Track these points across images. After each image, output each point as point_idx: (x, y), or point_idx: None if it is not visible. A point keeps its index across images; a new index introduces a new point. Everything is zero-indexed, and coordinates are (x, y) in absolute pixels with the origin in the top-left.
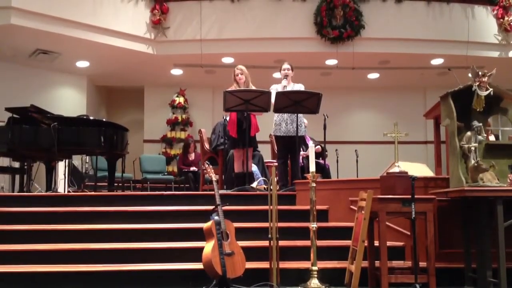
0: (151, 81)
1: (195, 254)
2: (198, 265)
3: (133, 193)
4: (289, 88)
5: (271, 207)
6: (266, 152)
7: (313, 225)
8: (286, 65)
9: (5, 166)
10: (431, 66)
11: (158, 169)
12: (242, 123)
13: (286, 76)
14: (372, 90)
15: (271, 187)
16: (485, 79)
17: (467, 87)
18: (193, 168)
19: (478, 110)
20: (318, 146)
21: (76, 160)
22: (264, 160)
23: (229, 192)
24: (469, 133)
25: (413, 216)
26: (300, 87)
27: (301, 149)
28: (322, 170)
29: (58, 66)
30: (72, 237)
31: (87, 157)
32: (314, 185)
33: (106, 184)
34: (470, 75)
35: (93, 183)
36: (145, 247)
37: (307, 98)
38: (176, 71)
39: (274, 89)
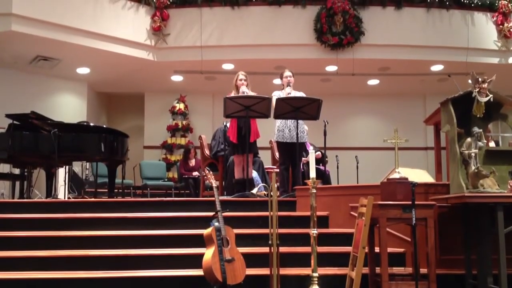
0: (151, 87)
1: (195, 261)
2: (199, 272)
3: (133, 199)
4: (291, 95)
5: (272, 213)
6: (266, 158)
7: (314, 231)
8: (288, 72)
9: (5, 173)
10: (431, 72)
11: (158, 175)
12: (242, 129)
13: (289, 83)
14: (372, 96)
15: (272, 193)
16: (485, 85)
17: (467, 93)
18: (194, 173)
19: (478, 116)
20: (318, 152)
21: (76, 166)
22: (264, 166)
23: (229, 198)
24: (469, 139)
25: (414, 222)
26: (300, 95)
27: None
28: (323, 176)
29: (58, 72)
30: (72, 243)
31: (87, 163)
32: (315, 191)
33: (106, 190)
34: (470, 81)
35: (93, 190)
36: (145, 254)
37: (307, 104)
38: (177, 78)
39: (277, 95)
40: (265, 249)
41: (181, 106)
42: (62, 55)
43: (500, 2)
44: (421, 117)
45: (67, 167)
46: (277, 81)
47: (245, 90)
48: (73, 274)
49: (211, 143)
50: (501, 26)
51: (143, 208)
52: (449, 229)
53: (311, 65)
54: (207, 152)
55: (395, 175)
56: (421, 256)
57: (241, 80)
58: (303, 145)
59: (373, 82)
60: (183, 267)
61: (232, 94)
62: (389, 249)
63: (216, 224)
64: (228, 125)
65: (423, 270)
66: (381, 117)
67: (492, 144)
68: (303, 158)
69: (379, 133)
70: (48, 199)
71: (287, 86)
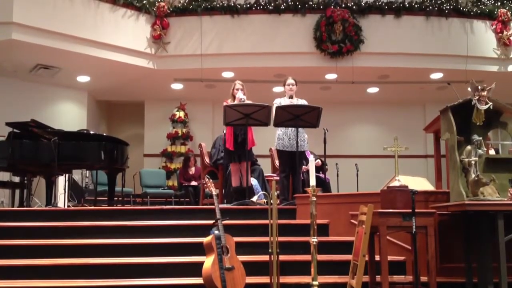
0: (151, 95)
1: (195, 269)
2: (198, 280)
3: (133, 207)
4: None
5: (272, 221)
6: (266, 166)
7: (314, 240)
8: (290, 80)
9: (5, 181)
10: (431, 80)
11: (158, 183)
12: (238, 136)
13: (291, 91)
14: (372, 104)
15: (271, 201)
16: (485, 93)
17: (466, 101)
18: (193, 183)
19: (477, 124)
20: (318, 160)
21: (76, 174)
22: (264, 174)
23: (229, 206)
24: (469, 147)
25: (414, 230)
26: (303, 103)
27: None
28: (323, 184)
29: (58, 81)
30: (72, 252)
31: (87, 171)
32: (315, 199)
33: (106, 198)
34: (469, 89)
35: (93, 198)
36: (145, 262)
37: (307, 112)
38: (177, 86)
39: (277, 103)
40: (265, 257)
41: (181, 114)
42: (62, 64)
43: (499, 10)
44: (421, 125)
45: (67, 175)
46: (276, 89)
47: (241, 97)
48: (73, 283)
49: (211, 151)
50: (500, 34)
51: (143, 216)
52: (450, 237)
53: (310, 73)
54: (207, 160)
55: (395, 183)
56: (421, 264)
57: (237, 89)
58: (303, 154)
59: (373, 90)
60: (183, 275)
61: (229, 102)
62: (390, 257)
63: (216, 232)
64: None
65: (424, 278)
66: (381, 125)
67: (492, 152)
68: (303, 167)
69: (379, 141)
70: (48, 207)
71: (288, 94)
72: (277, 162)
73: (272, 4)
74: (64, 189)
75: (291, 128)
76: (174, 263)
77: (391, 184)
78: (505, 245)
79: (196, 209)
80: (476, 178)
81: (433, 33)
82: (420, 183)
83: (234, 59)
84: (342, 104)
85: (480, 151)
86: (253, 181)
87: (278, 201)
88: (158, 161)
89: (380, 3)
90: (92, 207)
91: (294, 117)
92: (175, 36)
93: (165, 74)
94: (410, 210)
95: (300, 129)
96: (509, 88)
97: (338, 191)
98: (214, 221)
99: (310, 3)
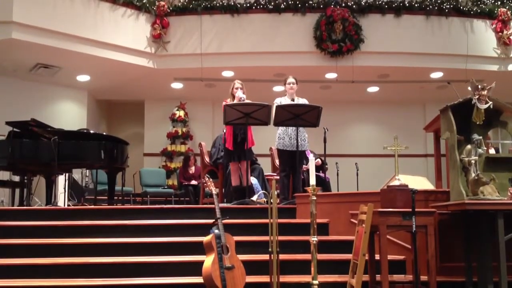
0: (151, 95)
1: (195, 268)
2: (198, 279)
3: (133, 206)
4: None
5: (271, 220)
6: (266, 165)
7: (314, 239)
8: (292, 79)
9: (5, 180)
10: (431, 79)
11: (158, 182)
12: (238, 136)
13: (291, 89)
14: (372, 104)
15: (271, 200)
16: (485, 92)
17: (466, 100)
18: (193, 182)
19: (478, 123)
20: (318, 159)
21: (76, 173)
22: (264, 173)
23: (229, 205)
24: (469, 146)
25: (414, 229)
26: (304, 102)
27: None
28: (323, 183)
29: (58, 80)
30: (71, 251)
31: (87, 170)
32: (315, 198)
33: (106, 197)
34: (469, 88)
35: (93, 197)
36: (144, 261)
37: (307, 111)
38: (177, 85)
39: (278, 102)
40: (265, 257)
41: (181, 113)
42: (62, 63)
43: (499, 9)
44: (421, 124)
45: (67, 174)
46: (276, 88)
47: (241, 96)
48: (73, 282)
49: (211, 150)
50: (500, 34)
51: (143, 216)
52: (450, 236)
53: (310, 73)
54: (207, 159)
55: (395, 182)
56: (421, 264)
57: (237, 88)
58: (304, 153)
59: (373, 89)
60: (183, 274)
61: (228, 101)
62: (389, 257)
63: (216, 231)
64: None
65: (424, 278)
66: (381, 124)
67: (492, 151)
68: (303, 166)
69: (379, 140)
70: (48, 207)
71: (289, 93)
72: (277, 161)
73: (272, 3)
74: (64, 188)
75: (291, 128)
76: (174, 262)
77: (391, 183)
78: (505, 244)
79: (196, 208)
80: (476, 177)
81: (433, 33)
82: (420, 182)
83: (234, 58)
84: (342, 103)
85: (480, 150)
86: (253, 180)
87: (278, 200)
88: (158, 160)
89: (380, 2)
90: (92, 206)
91: (294, 116)
92: (175, 35)
93: (165, 73)
94: (410, 209)
95: (300, 129)
96: (509, 87)
97: (338, 190)
98: (214, 220)
99: (310, 2)
